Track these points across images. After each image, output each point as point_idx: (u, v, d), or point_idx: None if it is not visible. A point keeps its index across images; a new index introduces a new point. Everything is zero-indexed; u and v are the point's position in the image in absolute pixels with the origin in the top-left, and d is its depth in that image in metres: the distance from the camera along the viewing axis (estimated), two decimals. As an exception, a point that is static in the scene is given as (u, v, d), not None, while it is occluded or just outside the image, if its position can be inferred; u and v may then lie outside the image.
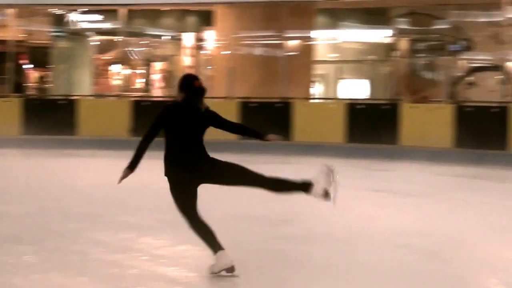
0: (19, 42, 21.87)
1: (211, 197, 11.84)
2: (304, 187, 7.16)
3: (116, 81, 23.01)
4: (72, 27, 22.63)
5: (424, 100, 19.73)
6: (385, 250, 8.43)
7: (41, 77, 23.39)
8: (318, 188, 7.10)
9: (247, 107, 18.24)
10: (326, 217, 10.33)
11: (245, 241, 8.82)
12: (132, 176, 6.88)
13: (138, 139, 6.97)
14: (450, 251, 8.36)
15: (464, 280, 7.30)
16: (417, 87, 21.01)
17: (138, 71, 23.52)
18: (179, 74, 22.09)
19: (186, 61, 23.45)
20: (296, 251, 8.36)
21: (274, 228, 9.63)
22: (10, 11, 21.08)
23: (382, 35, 21.39)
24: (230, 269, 6.95)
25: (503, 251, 8.05)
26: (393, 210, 11.10)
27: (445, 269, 7.63)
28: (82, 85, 22.69)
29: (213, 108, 7.08)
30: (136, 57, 23.03)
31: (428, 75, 21.70)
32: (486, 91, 19.70)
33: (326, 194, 7.11)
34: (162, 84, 23.38)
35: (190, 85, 6.99)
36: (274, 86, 18.84)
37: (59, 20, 22.58)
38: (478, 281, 7.33)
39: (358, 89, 21.49)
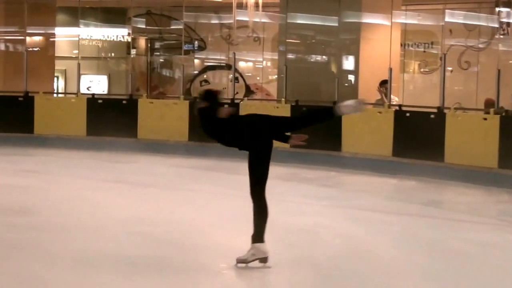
0: None
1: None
2: (259, 237, 7.33)
3: None
4: None
5: (161, 95, 19.97)
6: (120, 238, 8.53)
7: None
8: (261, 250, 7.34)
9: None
10: (65, 208, 10.32)
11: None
12: None
13: None
14: (183, 238, 8.58)
15: (196, 265, 7.51)
16: (154, 84, 21.24)
17: None
18: None
19: None
20: (33, 240, 8.29)
21: (11, 217, 9.45)
22: None
23: (120, 34, 21.43)
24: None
25: (231, 237, 8.35)
26: (130, 200, 11.19)
27: (178, 255, 7.82)
28: None
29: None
30: None
31: (165, 72, 21.98)
32: (219, 89, 20.26)
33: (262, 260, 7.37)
34: None
35: None
36: (16, 80, 18.39)
37: None
38: (209, 265, 7.57)
39: (98, 84, 21.41)
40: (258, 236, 7.35)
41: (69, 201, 10.86)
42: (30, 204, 10.38)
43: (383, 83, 15.13)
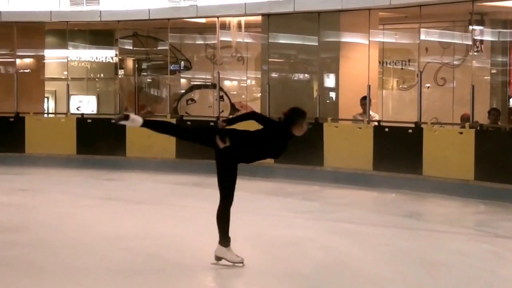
0: None
1: None
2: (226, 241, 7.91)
3: None
4: None
5: (148, 114, 19.93)
6: (110, 253, 8.49)
7: None
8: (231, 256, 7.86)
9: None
10: (54, 224, 10.29)
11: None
12: None
13: None
14: (171, 253, 8.55)
15: (183, 280, 7.50)
16: (142, 103, 21.21)
17: None
18: None
19: None
20: (23, 257, 8.24)
21: (1, 234, 9.40)
22: None
23: (108, 55, 21.41)
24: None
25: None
26: (119, 217, 11.16)
27: (166, 270, 7.81)
28: None
29: None
30: None
31: (152, 92, 21.97)
32: (205, 107, 20.25)
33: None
34: None
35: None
36: (7, 102, 18.33)
37: None
38: (196, 280, 7.56)
39: (87, 104, 21.37)
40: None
41: (58, 218, 10.82)
42: (20, 222, 10.34)
43: (364, 99, 15.16)
